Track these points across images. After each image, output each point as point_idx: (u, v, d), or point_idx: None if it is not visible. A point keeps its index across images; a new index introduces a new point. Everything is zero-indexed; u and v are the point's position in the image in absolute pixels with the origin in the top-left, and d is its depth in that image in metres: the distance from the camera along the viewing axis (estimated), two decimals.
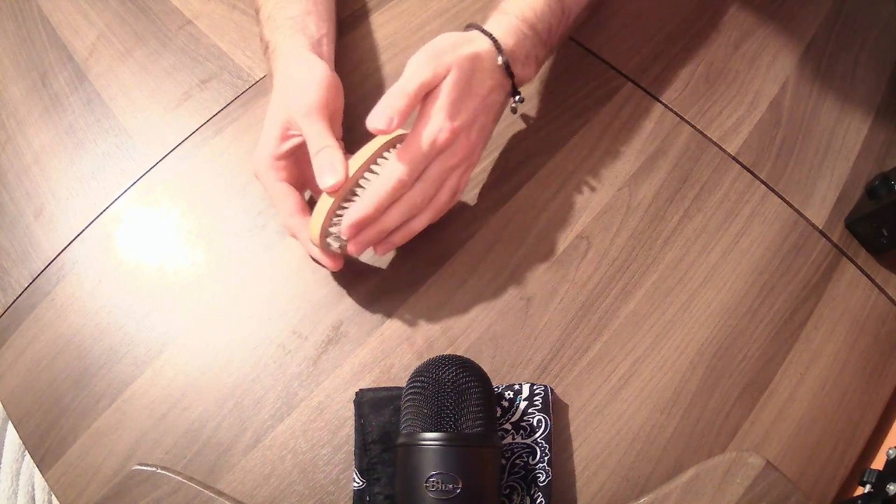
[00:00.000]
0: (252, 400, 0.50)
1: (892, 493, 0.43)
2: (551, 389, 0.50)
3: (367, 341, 0.52)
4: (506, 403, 0.49)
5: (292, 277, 0.55)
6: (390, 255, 0.55)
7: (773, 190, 0.58)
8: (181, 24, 0.67)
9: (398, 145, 0.49)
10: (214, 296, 0.54)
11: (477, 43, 0.49)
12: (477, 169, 0.57)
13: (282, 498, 0.48)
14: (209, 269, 0.55)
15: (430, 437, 0.41)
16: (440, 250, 0.55)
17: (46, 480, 0.49)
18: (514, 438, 0.48)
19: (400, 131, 0.48)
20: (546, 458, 0.47)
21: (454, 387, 0.42)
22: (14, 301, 0.55)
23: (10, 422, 0.55)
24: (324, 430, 0.49)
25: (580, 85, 0.62)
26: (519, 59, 0.51)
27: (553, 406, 0.49)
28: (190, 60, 0.65)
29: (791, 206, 0.58)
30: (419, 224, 0.51)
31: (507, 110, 0.55)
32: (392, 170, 0.46)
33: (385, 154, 0.49)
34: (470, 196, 0.57)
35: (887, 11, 0.68)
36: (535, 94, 0.62)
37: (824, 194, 0.58)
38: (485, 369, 0.45)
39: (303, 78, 0.50)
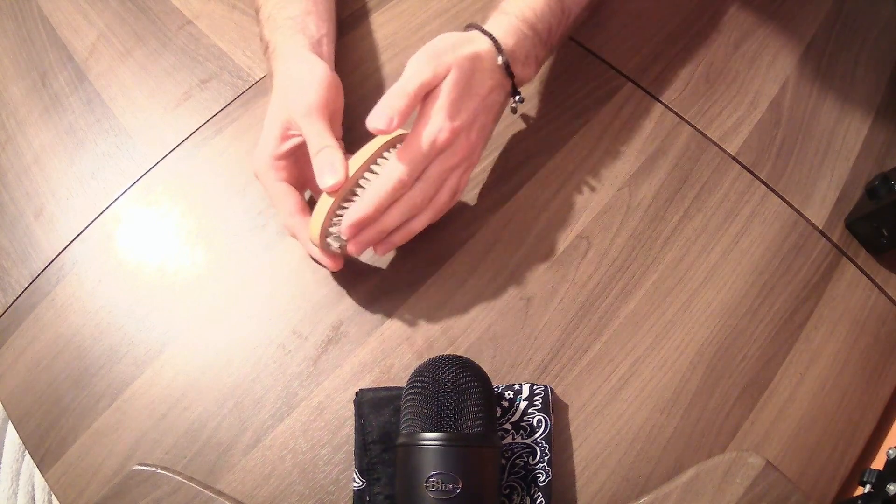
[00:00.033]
0: (252, 400, 0.50)
1: (892, 493, 0.43)
2: (551, 389, 0.50)
3: (367, 341, 0.52)
4: (506, 403, 0.49)
5: (292, 277, 0.55)
6: (390, 255, 0.55)
7: (773, 190, 0.58)
8: (181, 24, 0.67)
9: (398, 145, 0.49)
10: (214, 296, 0.54)
11: (477, 43, 0.49)
12: (477, 169, 0.57)
13: (282, 498, 0.48)
14: (209, 269, 0.55)
15: (430, 437, 0.41)
16: (440, 250, 0.55)
17: (46, 480, 0.49)
18: (514, 438, 0.48)
19: (400, 131, 0.48)
20: (546, 458, 0.47)
21: (454, 387, 0.42)
22: (14, 301, 0.55)
23: (10, 422, 0.55)
24: (324, 430, 0.49)
25: (580, 85, 0.62)
26: (519, 59, 0.51)
27: (553, 406, 0.49)
28: (190, 60, 0.65)
29: (791, 206, 0.58)
30: (419, 224, 0.51)
31: (507, 110, 0.55)
32: (392, 170, 0.46)
33: (385, 154, 0.49)
34: (470, 196, 0.57)
35: (887, 11, 0.68)
36: (535, 94, 0.62)
37: (824, 194, 0.58)
38: (485, 369, 0.45)
39: (303, 78, 0.50)
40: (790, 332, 0.53)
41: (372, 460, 0.47)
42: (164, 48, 0.66)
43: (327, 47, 0.56)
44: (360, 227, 0.47)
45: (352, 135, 0.53)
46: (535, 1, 0.52)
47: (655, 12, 0.67)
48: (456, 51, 0.47)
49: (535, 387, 0.49)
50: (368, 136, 0.48)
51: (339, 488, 0.48)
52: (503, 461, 0.47)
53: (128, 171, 0.60)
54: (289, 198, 0.50)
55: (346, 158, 0.47)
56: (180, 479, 0.47)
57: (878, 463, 0.47)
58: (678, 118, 0.61)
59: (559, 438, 0.49)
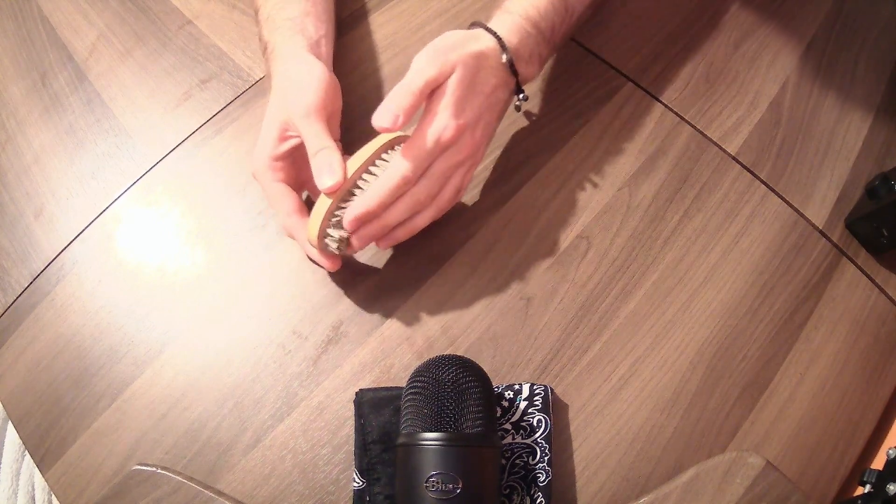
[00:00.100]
0: (252, 400, 0.50)
1: (892, 493, 0.43)
2: (551, 389, 0.50)
3: (367, 341, 0.52)
4: (506, 403, 0.49)
5: (292, 277, 0.55)
6: (389, 255, 0.55)
7: (773, 190, 0.58)
8: (181, 24, 0.67)
9: (397, 147, 0.49)
10: (214, 296, 0.54)
11: (482, 41, 0.49)
12: (478, 168, 0.57)
13: (282, 498, 0.48)
14: (209, 269, 0.55)
15: (431, 437, 0.41)
16: (440, 250, 0.55)
17: (46, 480, 0.49)
18: (514, 438, 0.48)
19: (399, 133, 0.48)
20: (546, 458, 0.47)
21: (454, 387, 0.42)
22: (14, 301, 0.55)
23: (10, 422, 0.55)
24: (324, 430, 0.49)
25: (580, 85, 0.62)
26: (523, 58, 0.51)
27: (553, 406, 0.49)
28: (190, 60, 0.65)
29: (791, 206, 0.58)
30: (423, 220, 0.51)
31: (510, 108, 0.55)
32: (397, 166, 0.47)
33: (384, 155, 0.49)
34: (470, 196, 0.57)
35: (887, 11, 0.68)
36: (535, 93, 0.62)
37: (824, 194, 0.58)
38: (485, 369, 0.45)
39: (301, 79, 0.50)
40: (790, 332, 0.53)
41: (372, 460, 0.47)
42: (164, 48, 0.66)
43: (326, 48, 0.56)
44: (362, 221, 0.47)
45: (351, 135, 0.53)
46: None
47: (655, 12, 0.66)
48: (461, 48, 0.47)
49: (535, 387, 0.49)
50: (367, 137, 0.48)
51: (339, 488, 0.48)
52: (503, 461, 0.47)
53: (128, 171, 0.60)
54: (287, 198, 0.50)
55: (345, 159, 0.47)
56: (180, 479, 0.47)
57: (878, 463, 0.47)
58: (678, 118, 0.61)
59: (559, 438, 0.49)
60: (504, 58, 0.50)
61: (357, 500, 0.47)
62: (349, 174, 0.47)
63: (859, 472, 0.47)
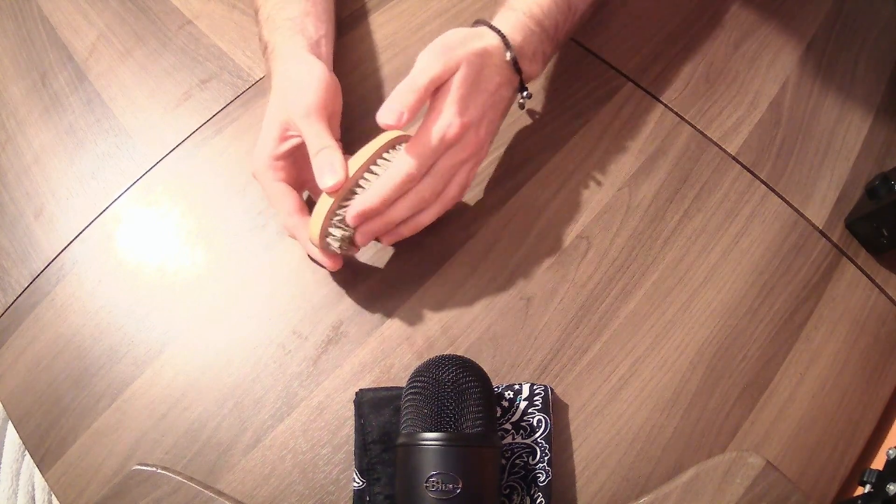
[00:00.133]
0: (252, 400, 0.50)
1: (892, 493, 0.43)
2: (551, 389, 0.50)
3: (367, 341, 0.52)
4: (506, 403, 0.49)
5: (292, 277, 0.55)
6: (390, 255, 0.55)
7: (773, 190, 0.58)
8: (181, 24, 0.67)
9: (398, 146, 0.49)
10: (214, 296, 0.54)
11: (486, 38, 0.49)
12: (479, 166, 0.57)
13: (282, 498, 0.48)
14: (209, 269, 0.55)
15: (430, 437, 0.41)
16: (440, 250, 0.55)
17: (46, 480, 0.49)
18: (514, 438, 0.48)
19: (400, 132, 0.48)
20: (546, 458, 0.47)
21: (454, 387, 0.42)
22: (14, 301, 0.55)
23: (10, 422, 0.55)
24: (324, 430, 0.49)
25: (580, 85, 0.62)
26: (527, 55, 0.51)
27: (553, 406, 0.49)
28: (190, 60, 0.65)
29: (791, 206, 0.58)
30: (427, 217, 0.51)
31: (514, 105, 0.55)
32: (401, 163, 0.47)
33: (385, 155, 0.49)
34: (470, 196, 0.57)
35: (887, 11, 0.68)
36: (535, 93, 0.62)
37: (824, 194, 0.58)
38: (485, 369, 0.45)
39: (301, 79, 0.50)
40: (790, 332, 0.53)
41: (372, 460, 0.47)
42: (164, 48, 0.66)
43: (326, 48, 0.56)
44: (365, 217, 0.47)
45: (351, 135, 0.53)
46: None
47: (655, 12, 0.67)
48: (465, 46, 0.48)
49: (535, 387, 0.49)
50: (368, 136, 0.48)
51: (339, 488, 0.48)
52: (503, 461, 0.47)
53: (128, 171, 0.60)
54: (287, 198, 0.50)
55: (346, 159, 0.48)
56: (180, 479, 0.47)
57: (878, 463, 0.47)
58: (678, 118, 0.61)
59: (559, 438, 0.49)
60: (508, 55, 0.50)
61: (357, 500, 0.47)
62: (350, 173, 0.47)
63: (859, 472, 0.47)
